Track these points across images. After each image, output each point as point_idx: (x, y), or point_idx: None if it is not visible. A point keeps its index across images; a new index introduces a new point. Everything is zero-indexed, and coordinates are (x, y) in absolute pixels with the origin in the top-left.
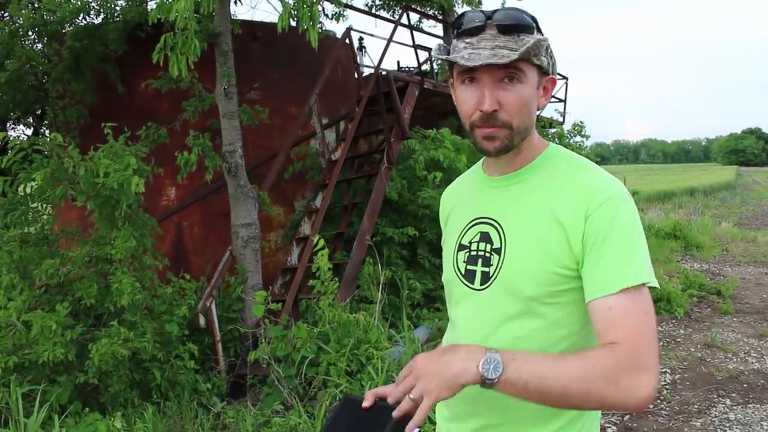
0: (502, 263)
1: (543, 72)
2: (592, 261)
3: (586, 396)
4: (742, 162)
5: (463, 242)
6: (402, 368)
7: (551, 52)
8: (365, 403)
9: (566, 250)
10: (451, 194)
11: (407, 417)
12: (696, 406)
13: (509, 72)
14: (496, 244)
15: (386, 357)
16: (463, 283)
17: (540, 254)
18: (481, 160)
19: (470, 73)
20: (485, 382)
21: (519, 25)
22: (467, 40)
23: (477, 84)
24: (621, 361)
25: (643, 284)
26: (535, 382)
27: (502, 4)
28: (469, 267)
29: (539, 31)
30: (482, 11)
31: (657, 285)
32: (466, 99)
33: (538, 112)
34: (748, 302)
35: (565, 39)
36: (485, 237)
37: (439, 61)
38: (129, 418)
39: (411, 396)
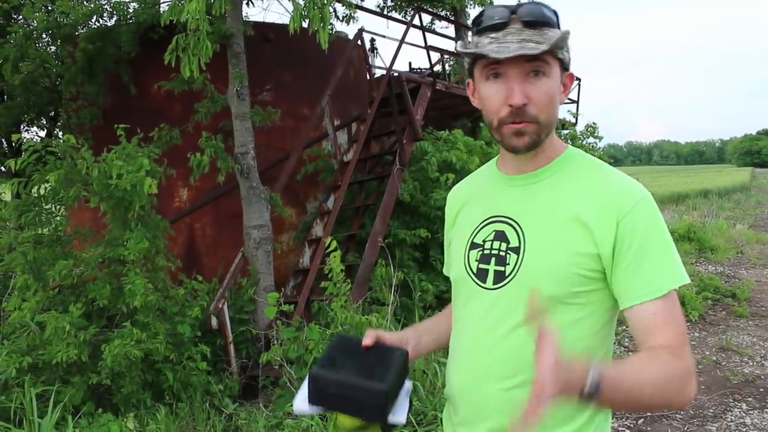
0: (521, 262)
1: (564, 67)
2: (630, 267)
3: (660, 402)
4: (757, 163)
5: (475, 240)
6: None
7: (569, 47)
8: (366, 341)
9: (592, 252)
10: (459, 193)
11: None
12: (711, 411)
13: (535, 65)
14: (514, 243)
15: None
16: (474, 282)
17: (564, 254)
18: (494, 159)
19: (496, 68)
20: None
21: (544, 19)
22: (492, 35)
23: (503, 79)
24: (684, 368)
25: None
26: (626, 395)
27: (518, 1)
28: (481, 266)
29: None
30: (505, 6)
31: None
32: (492, 94)
33: None
34: (763, 305)
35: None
36: (500, 236)
37: (452, 62)
38: (141, 418)
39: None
